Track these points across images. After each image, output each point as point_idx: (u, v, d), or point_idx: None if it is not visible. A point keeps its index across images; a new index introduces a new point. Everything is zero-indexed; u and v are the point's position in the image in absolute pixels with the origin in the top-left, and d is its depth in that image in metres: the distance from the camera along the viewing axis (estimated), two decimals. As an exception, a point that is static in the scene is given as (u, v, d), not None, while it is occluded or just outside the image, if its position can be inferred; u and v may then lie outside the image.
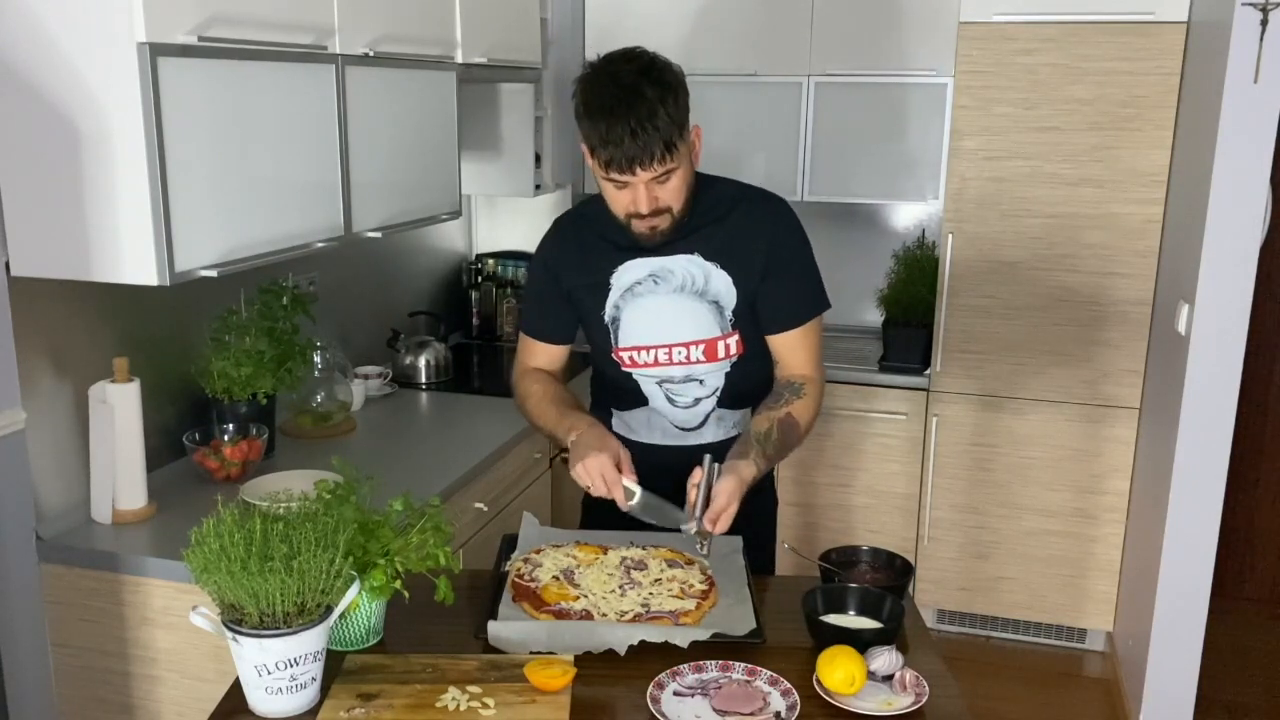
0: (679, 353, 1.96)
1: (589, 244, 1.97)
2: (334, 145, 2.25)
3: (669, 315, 1.94)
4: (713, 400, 2.00)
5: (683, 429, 2.02)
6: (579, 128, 1.79)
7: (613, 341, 1.99)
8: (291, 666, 1.41)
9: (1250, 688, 3.40)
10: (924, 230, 3.83)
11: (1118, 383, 3.30)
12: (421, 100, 2.61)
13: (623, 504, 1.78)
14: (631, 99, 1.72)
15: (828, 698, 1.47)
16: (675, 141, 1.75)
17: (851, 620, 1.66)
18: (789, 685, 1.49)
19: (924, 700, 1.47)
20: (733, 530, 1.83)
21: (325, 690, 1.47)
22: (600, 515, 1.99)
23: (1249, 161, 2.61)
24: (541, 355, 2.07)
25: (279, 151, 2.09)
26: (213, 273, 1.93)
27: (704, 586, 1.72)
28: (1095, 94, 3.15)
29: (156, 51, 1.74)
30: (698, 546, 1.75)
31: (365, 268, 3.20)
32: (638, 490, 1.77)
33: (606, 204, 1.86)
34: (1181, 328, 2.79)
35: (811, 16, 3.55)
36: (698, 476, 1.76)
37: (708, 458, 1.80)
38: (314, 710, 1.44)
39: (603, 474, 1.76)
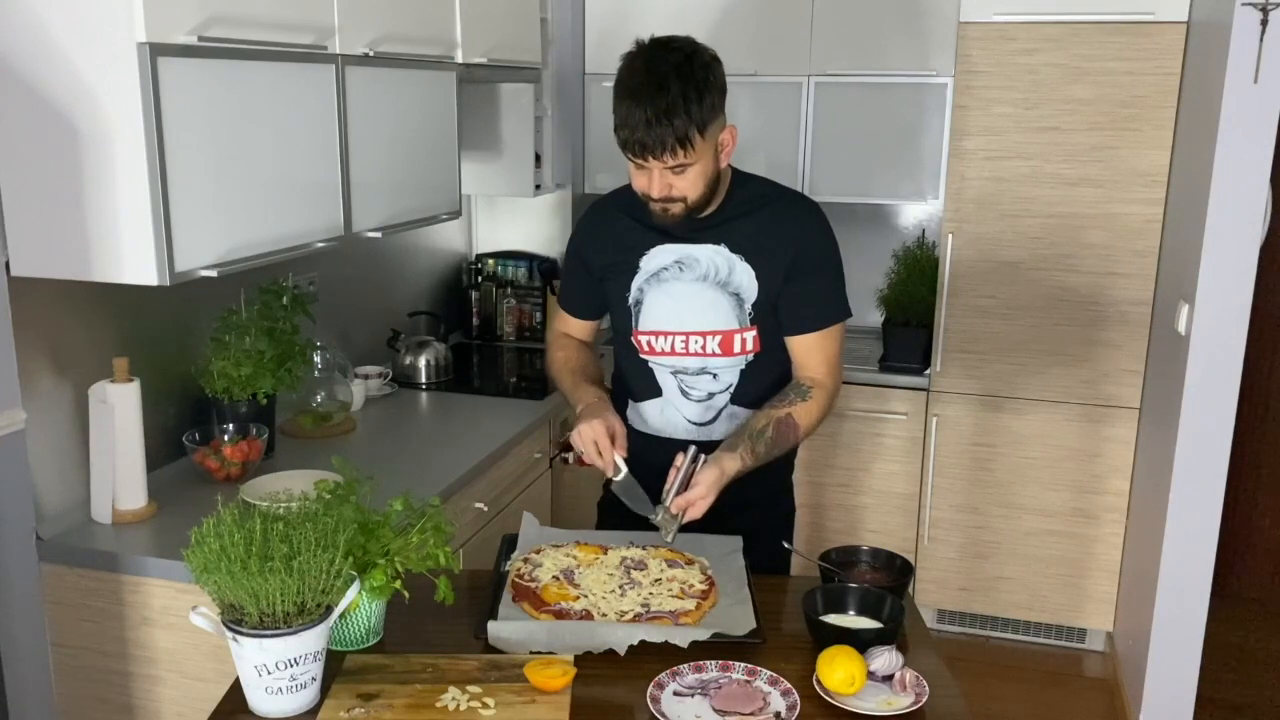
0: (696, 342, 1.97)
1: (621, 226, 2.01)
2: (334, 145, 2.25)
3: (690, 303, 1.96)
4: (726, 396, 2.01)
5: (695, 424, 2.02)
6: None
7: (633, 324, 2.02)
8: (291, 666, 1.41)
9: (1250, 688, 3.40)
10: (924, 230, 3.83)
11: (1118, 383, 3.30)
12: (421, 100, 2.61)
13: (609, 473, 1.86)
14: (656, 90, 1.74)
15: (828, 698, 1.47)
16: (691, 138, 1.76)
17: (851, 620, 1.66)
18: (789, 685, 1.49)
19: (924, 700, 1.47)
20: (748, 533, 1.83)
21: (325, 690, 1.47)
22: (615, 516, 2.01)
23: (1249, 161, 2.61)
24: (572, 325, 2.18)
25: (279, 151, 2.09)
26: (213, 273, 1.93)
27: (704, 586, 1.72)
28: (1095, 94, 3.15)
29: (156, 51, 1.74)
30: (663, 532, 1.80)
31: (365, 268, 3.20)
32: (624, 468, 1.86)
33: None
34: (1181, 328, 2.79)
35: (811, 16, 3.55)
36: (680, 461, 1.81)
37: (692, 447, 1.84)
38: (314, 710, 1.44)
39: (595, 441, 1.85)
